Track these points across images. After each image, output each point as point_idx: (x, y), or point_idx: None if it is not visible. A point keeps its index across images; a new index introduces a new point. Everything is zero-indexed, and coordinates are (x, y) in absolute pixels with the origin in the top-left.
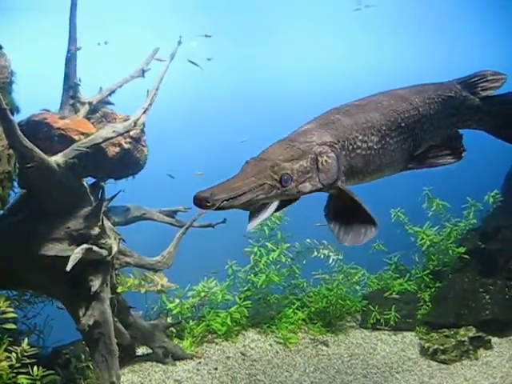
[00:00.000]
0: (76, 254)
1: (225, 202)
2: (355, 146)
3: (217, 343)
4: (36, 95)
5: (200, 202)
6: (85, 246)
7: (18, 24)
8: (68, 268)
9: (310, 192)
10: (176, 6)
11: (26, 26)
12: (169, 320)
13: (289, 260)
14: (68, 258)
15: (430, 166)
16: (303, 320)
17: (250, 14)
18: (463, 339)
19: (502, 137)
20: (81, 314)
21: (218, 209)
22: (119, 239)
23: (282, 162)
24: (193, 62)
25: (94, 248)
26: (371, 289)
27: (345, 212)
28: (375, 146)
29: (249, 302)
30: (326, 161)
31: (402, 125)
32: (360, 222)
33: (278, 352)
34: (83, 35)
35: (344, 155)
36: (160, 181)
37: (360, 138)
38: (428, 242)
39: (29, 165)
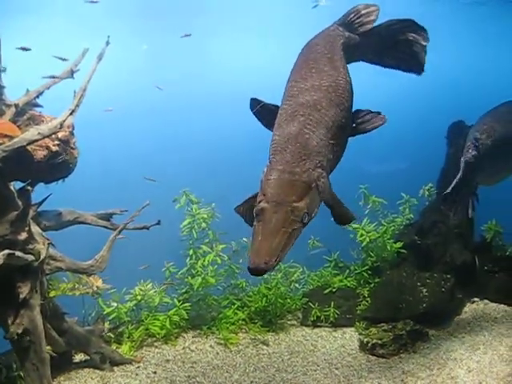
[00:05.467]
0: None
1: (275, 262)
2: (333, 152)
3: (156, 347)
4: None
5: (259, 272)
6: (6, 251)
7: None
8: None
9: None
10: (114, 7)
11: None
12: (106, 325)
13: (225, 260)
14: None
15: (363, 131)
16: (243, 320)
17: (195, 12)
18: (401, 333)
19: (379, 63)
20: (9, 322)
21: (272, 269)
22: (48, 244)
23: (297, 203)
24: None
25: (18, 253)
26: (311, 286)
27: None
28: (340, 141)
29: (188, 304)
30: (323, 182)
31: (347, 105)
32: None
33: (218, 353)
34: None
35: (329, 165)
36: (94, 183)
37: (333, 142)
38: (367, 239)
39: None
